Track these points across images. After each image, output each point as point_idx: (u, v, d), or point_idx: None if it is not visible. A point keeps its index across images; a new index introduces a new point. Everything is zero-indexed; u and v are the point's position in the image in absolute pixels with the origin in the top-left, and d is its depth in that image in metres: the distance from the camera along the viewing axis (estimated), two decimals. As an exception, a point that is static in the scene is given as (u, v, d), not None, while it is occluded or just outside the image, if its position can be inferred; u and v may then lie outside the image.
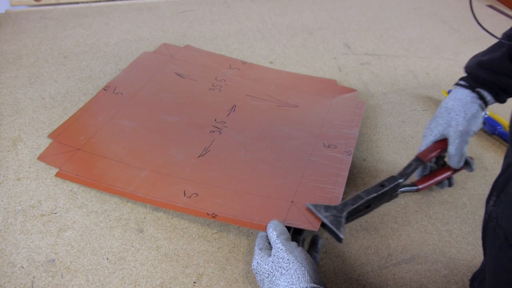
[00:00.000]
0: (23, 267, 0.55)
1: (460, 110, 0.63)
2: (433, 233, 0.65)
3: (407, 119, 0.89)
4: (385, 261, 0.60)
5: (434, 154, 0.66)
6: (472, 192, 0.72)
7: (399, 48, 1.16)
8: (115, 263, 0.57)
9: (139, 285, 0.54)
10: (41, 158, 0.70)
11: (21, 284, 0.53)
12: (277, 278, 0.48)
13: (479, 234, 0.65)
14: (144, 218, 0.63)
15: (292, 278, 0.46)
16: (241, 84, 0.92)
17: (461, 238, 0.64)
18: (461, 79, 0.68)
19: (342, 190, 0.64)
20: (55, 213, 0.62)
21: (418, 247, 0.62)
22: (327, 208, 0.58)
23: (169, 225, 0.62)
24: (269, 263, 0.50)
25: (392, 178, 0.61)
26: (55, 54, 0.99)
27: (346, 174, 0.68)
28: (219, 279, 0.56)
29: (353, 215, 0.59)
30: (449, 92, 0.93)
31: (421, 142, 0.69)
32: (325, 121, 0.82)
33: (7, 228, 0.60)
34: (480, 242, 0.64)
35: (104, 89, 0.85)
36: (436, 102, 0.95)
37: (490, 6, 1.50)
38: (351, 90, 0.93)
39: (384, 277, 0.58)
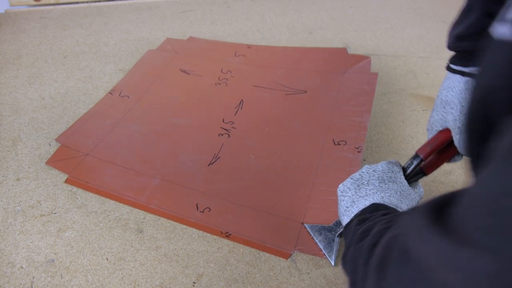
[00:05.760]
0: (22, 267, 0.55)
1: (455, 102, 0.57)
2: (433, 233, 0.64)
3: (407, 119, 0.89)
4: (385, 261, 0.60)
5: (434, 148, 0.60)
6: (472, 192, 0.72)
7: (399, 48, 1.16)
8: (114, 263, 0.57)
9: (138, 285, 0.54)
10: (49, 163, 0.69)
11: (21, 284, 0.53)
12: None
13: (479, 234, 0.65)
14: (144, 218, 0.63)
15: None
16: (248, 74, 0.91)
17: (461, 238, 0.64)
18: (450, 60, 0.60)
19: None
20: (54, 213, 0.62)
21: (418, 247, 0.62)
22: (321, 230, 0.60)
23: (169, 225, 0.62)
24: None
25: None
26: (55, 54, 0.99)
27: None
28: (218, 279, 0.56)
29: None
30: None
31: (421, 142, 0.68)
32: (335, 107, 0.80)
33: (7, 228, 0.60)
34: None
35: (110, 93, 0.85)
36: (436, 102, 0.95)
37: (490, 6, 1.49)
38: (363, 58, 0.90)
39: (384, 277, 0.58)
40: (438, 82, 1.02)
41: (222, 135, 0.77)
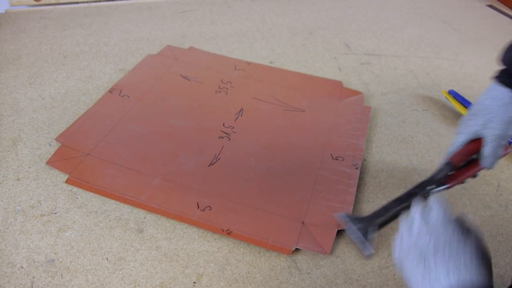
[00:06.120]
0: (22, 267, 0.55)
1: (499, 111, 0.59)
2: (433, 233, 0.64)
3: (407, 119, 0.89)
4: (385, 261, 0.60)
5: (466, 158, 0.62)
6: (472, 192, 0.72)
7: (399, 48, 1.16)
8: (114, 263, 0.57)
9: (138, 285, 0.54)
10: (50, 163, 0.69)
11: (21, 284, 0.53)
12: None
13: (479, 234, 0.65)
14: (144, 218, 0.63)
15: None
16: (247, 86, 0.92)
17: (461, 238, 0.64)
18: (499, 73, 0.63)
19: (351, 208, 0.66)
20: (54, 213, 0.62)
21: (418, 247, 0.62)
22: (356, 220, 0.58)
23: (169, 225, 0.62)
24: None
25: (423, 184, 0.59)
26: (55, 54, 0.99)
27: (354, 191, 0.69)
28: (219, 279, 0.56)
29: (383, 225, 0.59)
30: (449, 92, 0.93)
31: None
32: (332, 128, 0.82)
33: (7, 228, 0.60)
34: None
35: (110, 92, 0.85)
36: (436, 102, 0.95)
37: (490, 6, 1.50)
38: (357, 93, 0.93)
39: (384, 277, 0.58)
40: (438, 82, 1.02)
41: (222, 138, 0.77)
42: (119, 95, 0.85)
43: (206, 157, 0.73)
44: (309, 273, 0.57)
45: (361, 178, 0.73)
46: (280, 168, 0.72)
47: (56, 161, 0.69)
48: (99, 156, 0.71)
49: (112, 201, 0.65)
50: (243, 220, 0.62)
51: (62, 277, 0.55)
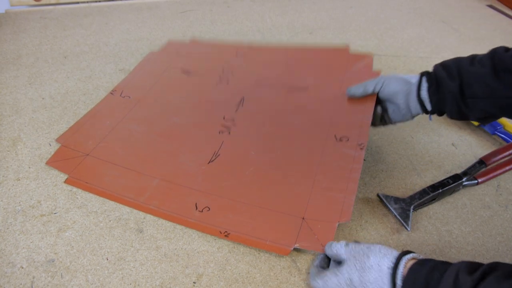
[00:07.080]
0: (22, 267, 0.55)
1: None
2: (433, 233, 0.65)
3: (407, 119, 0.89)
4: (385, 261, 0.60)
5: (498, 158, 0.70)
6: (472, 192, 0.72)
7: (399, 48, 1.16)
8: (114, 263, 0.57)
9: (138, 285, 0.54)
10: (50, 163, 0.69)
11: (21, 284, 0.53)
12: (365, 262, 0.50)
13: (479, 234, 0.65)
14: (144, 218, 0.63)
15: (381, 252, 0.50)
16: (249, 73, 0.91)
17: (461, 238, 0.64)
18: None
19: (353, 198, 0.62)
20: (54, 213, 0.62)
21: (418, 247, 0.62)
22: (396, 200, 0.66)
23: (169, 225, 0.62)
24: (350, 259, 0.51)
25: (457, 176, 0.70)
26: (55, 54, 1.00)
27: (358, 176, 0.65)
28: (219, 279, 0.56)
29: (419, 207, 0.68)
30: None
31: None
32: (337, 104, 0.79)
33: (7, 228, 0.60)
34: (480, 242, 0.64)
35: (111, 93, 0.85)
36: (436, 102, 0.95)
37: (490, 6, 1.50)
38: (365, 57, 0.89)
39: (384, 277, 0.58)
40: (438, 82, 1.02)
41: (222, 132, 0.76)
42: (120, 96, 0.85)
43: (205, 155, 0.72)
44: (309, 272, 0.57)
45: (361, 178, 0.73)
46: (280, 160, 0.71)
47: (56, 161, 0.69)
48: (99, 156, 0.71)
49: (112, 201, 0.65)
50: (242, 220, 0.62)
51: (62, 277, 0.55)
